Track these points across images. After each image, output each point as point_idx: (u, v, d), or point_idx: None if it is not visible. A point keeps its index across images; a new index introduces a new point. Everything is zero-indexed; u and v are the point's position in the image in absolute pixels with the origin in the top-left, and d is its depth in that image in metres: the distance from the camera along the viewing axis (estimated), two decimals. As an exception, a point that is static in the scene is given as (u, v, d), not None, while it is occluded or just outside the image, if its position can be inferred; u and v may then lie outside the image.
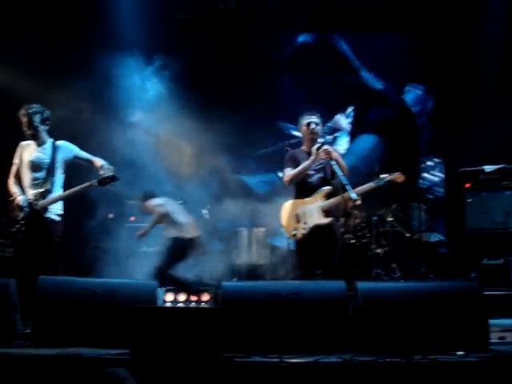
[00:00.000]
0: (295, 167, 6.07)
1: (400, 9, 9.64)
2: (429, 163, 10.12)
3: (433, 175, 10.12)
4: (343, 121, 10.40)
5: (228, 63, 9.78)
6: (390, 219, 8.18)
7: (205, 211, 8.81)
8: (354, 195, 5.49)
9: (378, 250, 8.08)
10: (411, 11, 9.61)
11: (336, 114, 10.40)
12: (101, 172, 5.96)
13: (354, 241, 8.01)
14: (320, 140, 6.06)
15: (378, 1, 9.60)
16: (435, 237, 8.72)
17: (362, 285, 4.73)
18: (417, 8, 9.57)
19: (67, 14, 8.78)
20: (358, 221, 8.11)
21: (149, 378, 3.95)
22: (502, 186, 7.88)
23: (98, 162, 6.09)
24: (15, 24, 8.42)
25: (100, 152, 6.56)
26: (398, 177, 6.03)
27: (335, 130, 10.36)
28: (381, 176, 6.04)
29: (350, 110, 10.45)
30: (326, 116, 10.05)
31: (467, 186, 8.01)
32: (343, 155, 6.47)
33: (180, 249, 7.74)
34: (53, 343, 4.53)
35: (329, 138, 10.10)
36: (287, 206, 6.15)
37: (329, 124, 10.17)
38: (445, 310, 4.54)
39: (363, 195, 6.14)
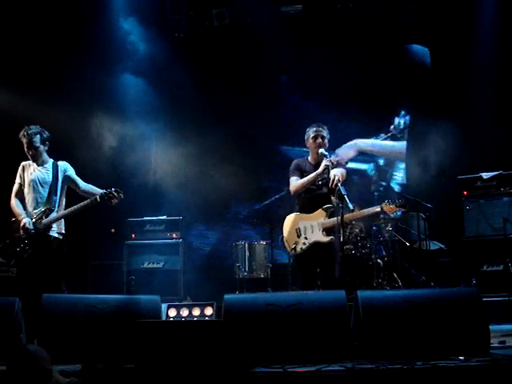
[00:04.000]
0: (301, 177, 6.16)
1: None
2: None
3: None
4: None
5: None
6: (390, 229, 8.22)
7: None
8: (350, 205, 5.52)
9: (379, 260, 8.13)
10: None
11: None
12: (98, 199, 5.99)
13: (354, 251, 8.04)
14: (325, 161, 5.96)
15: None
16: (435, 245, 8.75)
17: (362, 293, 4.77)
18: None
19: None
20: (357, 231, 8.14)
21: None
22: (499, 193, 7.91)
23: (94, 190, 6.10)
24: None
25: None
26: (399, 204, 6.32)
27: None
28: (385, 203, 6.27)
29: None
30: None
31: (465, 193, 8.06)
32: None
33: None
34: (58, 360, 4.53)
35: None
36: (290, 219, 6.26)
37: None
38: (445, 316, 4.58)
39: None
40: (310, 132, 6.24)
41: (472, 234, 7.92)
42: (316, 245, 6.00)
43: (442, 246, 8.60)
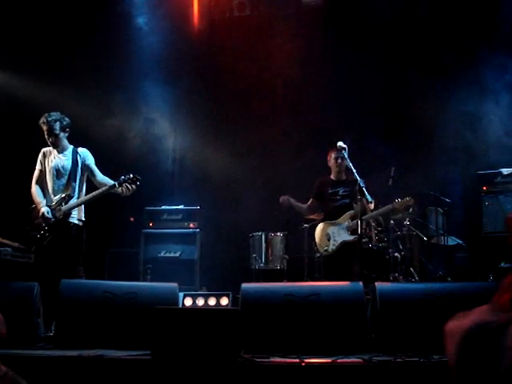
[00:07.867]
0: (317, 197, 7.43)
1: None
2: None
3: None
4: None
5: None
6: (408, 223, 8.17)
7: None
8: (369, 197, 5.66)
9: (396, 254, 8.07)
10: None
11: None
12: (116, 185, 5.98)
13: (371, 245, 8.00)
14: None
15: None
16: (453, 240, 8.69)
17: (380, 286, 4.77)
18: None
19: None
20: (374, 224, 8.08)
21: (169, 378, 4.01)
22: (519, 189, 7.83)
23: (110, 182, 6.04)
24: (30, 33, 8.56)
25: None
26: (408, 201, 7.12)
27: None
28: (395, 201, 7.09)
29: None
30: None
31: (485, 188, 7.98)
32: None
33: None
34: (74, 345, 4.59)
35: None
36: (320, 228, 7.35)
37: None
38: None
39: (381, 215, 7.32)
40: (332, 153, 7.20)
41: (490, 230, 7.84)
42: (344, 245, 7.07)
43: (460, 241, 8.53)
